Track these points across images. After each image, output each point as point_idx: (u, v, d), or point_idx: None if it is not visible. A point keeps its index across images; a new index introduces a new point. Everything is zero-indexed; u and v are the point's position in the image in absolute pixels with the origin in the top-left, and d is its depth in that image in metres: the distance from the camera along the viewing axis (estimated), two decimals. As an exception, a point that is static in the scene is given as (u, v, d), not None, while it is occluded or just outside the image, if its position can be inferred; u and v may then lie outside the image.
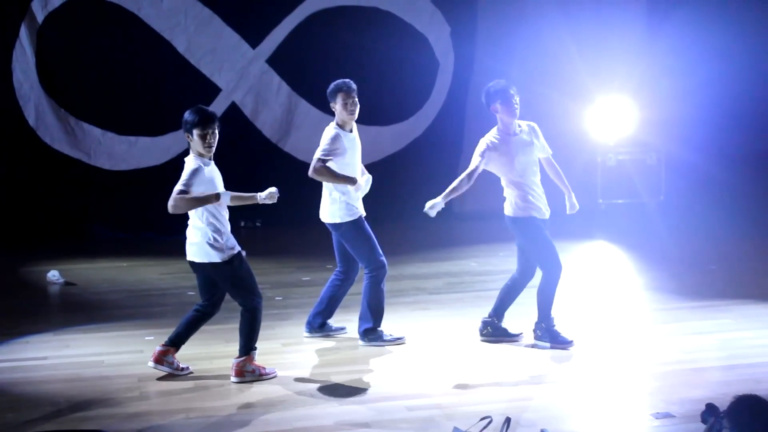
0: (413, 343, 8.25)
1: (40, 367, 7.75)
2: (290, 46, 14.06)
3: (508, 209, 8.08)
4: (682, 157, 14.45)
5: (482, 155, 7.91)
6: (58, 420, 6.55)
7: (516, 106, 7.93)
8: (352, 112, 8.14)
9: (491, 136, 8.00)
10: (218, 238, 7.18)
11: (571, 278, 10.26)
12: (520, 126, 8.05)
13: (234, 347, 7.56)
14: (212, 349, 8.06)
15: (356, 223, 8.13)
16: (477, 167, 7.88)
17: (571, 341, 8.03)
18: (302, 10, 14.08)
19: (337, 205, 8.11)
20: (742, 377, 7.12)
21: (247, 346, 7.32)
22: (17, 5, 13.14)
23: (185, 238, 7.35)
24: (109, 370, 7.63)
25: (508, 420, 5.82)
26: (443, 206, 7.78)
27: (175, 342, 7.46)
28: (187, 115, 7.26)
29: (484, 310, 8.35)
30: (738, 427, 4.57)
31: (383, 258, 8.16)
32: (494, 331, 8.26)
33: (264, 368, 7.36)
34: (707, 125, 14.61)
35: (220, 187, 7.22)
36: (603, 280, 10.78)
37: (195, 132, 7.20)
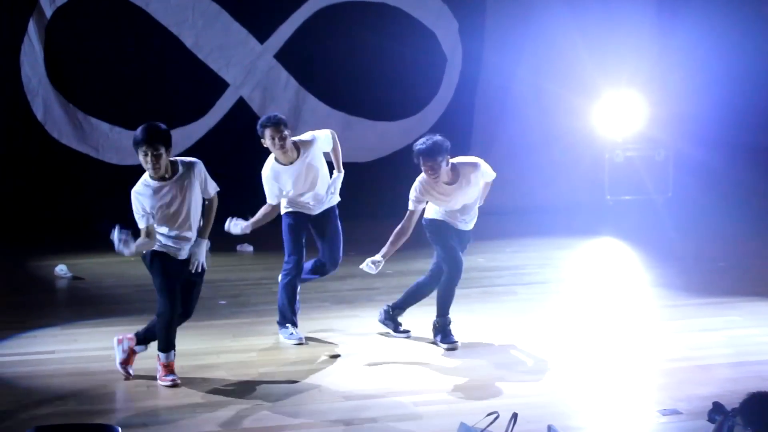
0: (420, 339, 8.24)
1: (47, 361, 7.76)
2: (298, 42, 14.04)
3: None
4: (690, 154, 14.41)
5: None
6: (65, 414, 6.55)
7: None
8: (281, 147, 8.03)
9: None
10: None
11: (578, 275, 10.27)
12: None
13: (241, 342, 7.56)
14: (220, 344, 8.07)
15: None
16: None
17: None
18: (310, 6, 14.06)
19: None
20: (750, 374, 7.11)
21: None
22: (26, 0, 13.15)
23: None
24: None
25: (515, 415, 5.82)
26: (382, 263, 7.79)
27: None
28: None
29: (491, 306, 8.35)
30: (752, 423, 4.55)
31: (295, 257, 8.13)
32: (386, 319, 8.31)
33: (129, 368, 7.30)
34: (716, 121, 14.56)
35: None
36: (610, 277, 10.77)
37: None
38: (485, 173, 8.02)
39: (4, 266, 11.60)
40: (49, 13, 13.22)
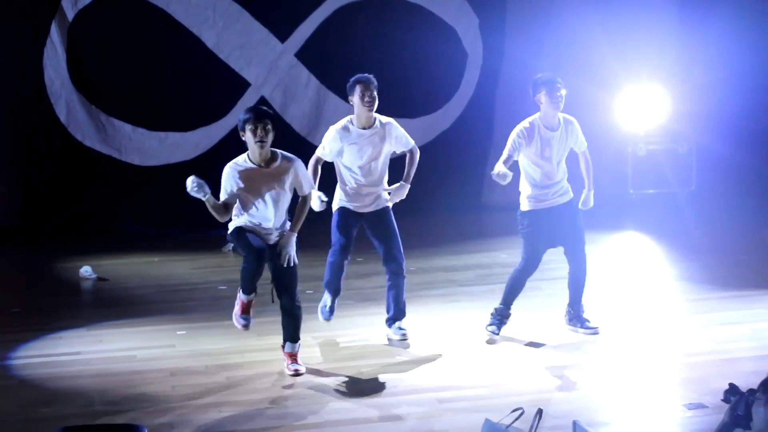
0: (444, 336, 8.24)
1: (73, 362, 7.80)
2: (319, 40, 14.06)
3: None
4: (713, 147, 14.34)
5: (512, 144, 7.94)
6: (90, 414, 6.59)
7: (560, 97, 7.93)
8: (369, 104, 8.00)
9: (526, 122, 8.01)
10: None
11: (601, 268, 10.24)
12: (559, 120, 8.05)
13: (265, 341, 7.57)
14: (244, 343, 8.09)
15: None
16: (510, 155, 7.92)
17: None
18: (330, 4, 14.07)
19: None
20: (775, 367, 7.08)
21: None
22: (48, 3, 13.21)
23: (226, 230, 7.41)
24: (141, 364, 7.67)
25: (540, 411, 5.81)
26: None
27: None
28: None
29: (516, 302, 8.30)
30: None
31: None
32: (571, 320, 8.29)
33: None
34: (739, 115, 14.48)
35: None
36: (634, 271, 10.74)
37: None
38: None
39: (29, 268, 11.69)
40: (71, 15, 13.29)
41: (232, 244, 7.67)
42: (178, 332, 8.56)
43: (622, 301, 9.27)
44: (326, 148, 8.05)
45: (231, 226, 7.37)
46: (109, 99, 13.56)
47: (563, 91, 7.94)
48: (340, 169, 8.08)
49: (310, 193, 7.46)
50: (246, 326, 7.41)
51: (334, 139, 8.03)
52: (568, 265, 8.25)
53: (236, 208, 7.29)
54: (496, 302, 8.18)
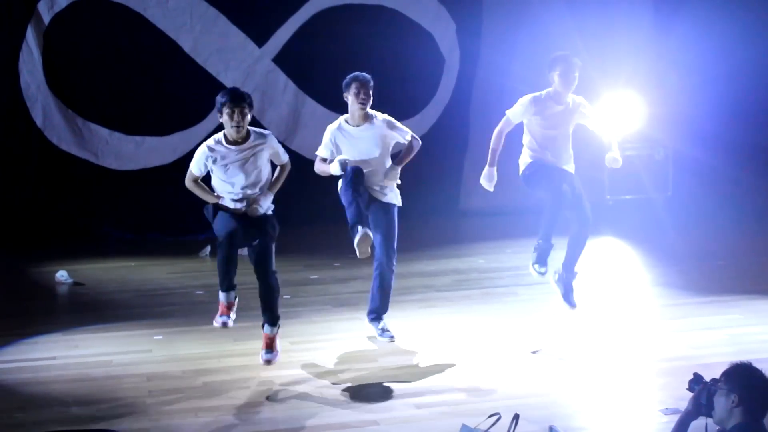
0: (421, 341, 8.25)
1: (48, 367, 7.76)
2: (296, 45, 14.06)
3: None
4: (689, 153, 14.42)
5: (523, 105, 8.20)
6: (66, 420, 6.56)
7: (573, 78, 8.14)
8: (362, 102, 8.11)
9: (535, 93, 8.27)
10: None
11: (579, 274, 10.26)
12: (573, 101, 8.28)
13: (242, 346, 7.57)
14: (221, 348, 8.07)
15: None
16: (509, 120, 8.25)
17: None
18: (308, 9, 14.07)
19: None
20: (751, 372, 7.10)
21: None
22: (23, 7, 13.14)
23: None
24: (118, 369, 7.64)
25: (516, 417, 5.82)
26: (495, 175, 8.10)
27: None
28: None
29: (493, 307, 8.36)
30: (734, 389, 4.65)
31: None
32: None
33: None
34: (715, 121, 14.56)
35: None
36: (610, 276, 10.77)
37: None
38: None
39: (4, 273, 11.61)
40: (47, 19, 13.22)
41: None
42: (155, 337, 8.53)
43: (599, 306, 9.30)
44: (325, 148, 8.19)
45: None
46: (85, 103, 13.51)
47: (577, 74, 8.08)
48: None
49: (287, 162, 7.69)
50: (225, 324, 7.43)
51: (331, 139, 8.17)
52: (571, 231, 8.36)
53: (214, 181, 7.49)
54: (472, 307, 8.18)
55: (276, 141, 7.63)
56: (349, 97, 8.12)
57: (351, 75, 8.18)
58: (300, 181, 10.24)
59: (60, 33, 13.29)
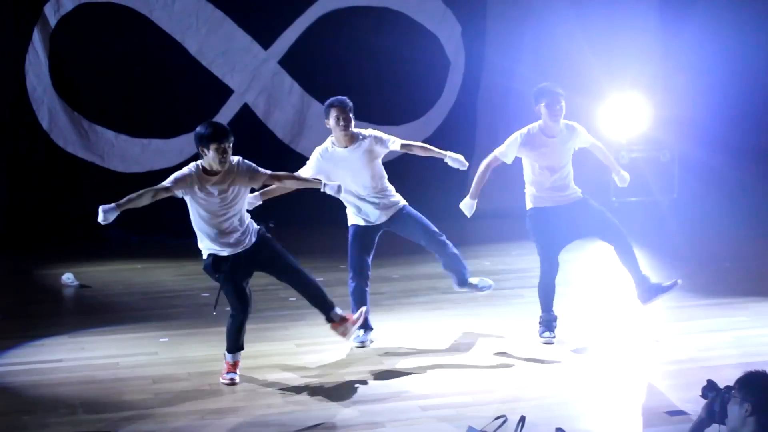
0: (427, 343, 8.25)
1: (55, 369, 7.77)
2: (302, 47, 14.06)
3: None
4: (695, 155, 14.39)
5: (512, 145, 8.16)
6: (72, 422, 6.57)
7: (559, 110, 8.13)
8: (344, 128, 8.05)
9: (525, 129, 8.24)
10: None
11: (583, 277, 10.26)
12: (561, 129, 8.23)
13: (248, 348, 7.57)
14: (223, 351, 8.06)
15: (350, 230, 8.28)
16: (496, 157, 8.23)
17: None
18: (314, 11, 14.08)
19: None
20: (757, 375, 7.10)
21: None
22: (30, 9, 13.16)
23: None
24: (124, 372, 7.65)
25: (522, 419, 5.83)
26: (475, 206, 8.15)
27: None
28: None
29: (498, 309, 8.35)
30: (748, 398, 4.61)
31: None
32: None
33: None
34: (721, 122, 14.54)
35: None
36: (616, 279, 10.75)
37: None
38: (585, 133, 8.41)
39: (11, 275, 11.63)
40: (53, 21, 13.24)
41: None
42: (161, 339, 8.54)
43: (605, 309, 9.29)
44: (309, 169, 8.13)
45: (203, 251, 7.42)
46: (91, 105, 13.52)
47: (563, 103, 8.06)
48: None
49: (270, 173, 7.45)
50: (233, 381, 7.33)
51: (318, 162, 8.13)
52: (614, 251, 8.37)
53: (194, 221, 7.34)
54: (478, 309, 8.17)
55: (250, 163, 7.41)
56: (330, 123, 8.08)
57: (327, 102, 8.15)
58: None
59: (66, 35, 13.30)
